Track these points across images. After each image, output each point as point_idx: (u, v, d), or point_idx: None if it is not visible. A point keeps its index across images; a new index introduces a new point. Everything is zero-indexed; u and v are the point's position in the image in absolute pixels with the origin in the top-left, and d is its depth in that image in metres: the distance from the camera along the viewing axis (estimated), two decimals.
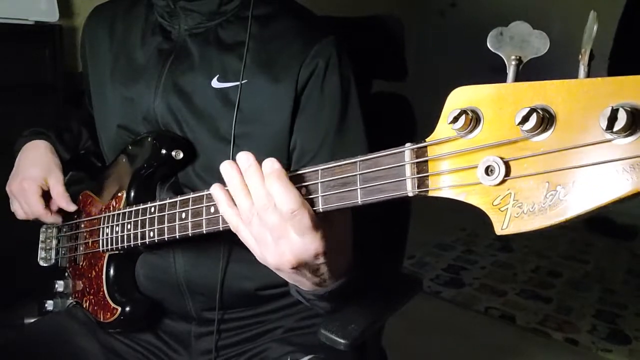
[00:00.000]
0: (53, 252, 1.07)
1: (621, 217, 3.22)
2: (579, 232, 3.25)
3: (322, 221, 0.56)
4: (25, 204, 0.96)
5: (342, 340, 0.79)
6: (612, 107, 0.33)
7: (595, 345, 2.16)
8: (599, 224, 3.20)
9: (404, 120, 1.11)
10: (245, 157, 0.57)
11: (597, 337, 2.21)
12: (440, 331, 2.19)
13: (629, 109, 0.33)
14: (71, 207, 0.96)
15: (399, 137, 1.09)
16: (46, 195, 0.97)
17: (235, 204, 0.59)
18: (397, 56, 1.11)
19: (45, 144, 1.01)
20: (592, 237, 3.22)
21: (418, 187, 0.45)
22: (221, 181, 0.86)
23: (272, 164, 0.55)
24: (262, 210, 0.56)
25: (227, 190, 0.59)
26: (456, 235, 3.21)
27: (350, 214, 0.62)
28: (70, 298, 1.03)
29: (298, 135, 0.86)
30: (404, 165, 0.46)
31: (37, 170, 0.96)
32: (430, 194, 0.45)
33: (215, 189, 0.61)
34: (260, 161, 0.85)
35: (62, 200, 0.96)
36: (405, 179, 0.46)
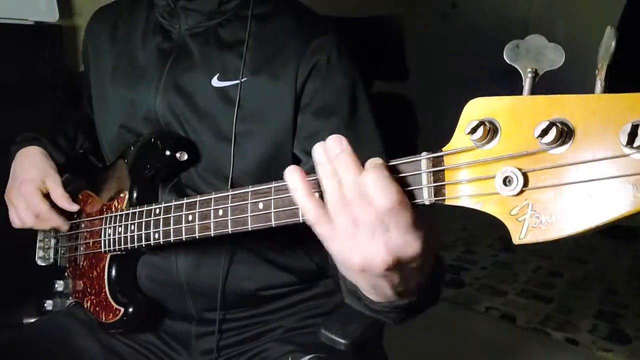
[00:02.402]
0: (52, 252, 1.07)
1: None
2: None
3: (422, 222, 0.49)
4: (26, 207, 0.94)
5: (342, 340, 0.79)
6: (633, 124, 0.34)
7: (596, 345, 2.16)
8: None
9: (406, 120, 1.11)
10: (338, 141, 0.50)
11: (598, 337, 2.22)
12: (440, 331, 2.19)
13: None
14: (73, 207, 0.96)
15: (401, 137, 1.09)
16: (46, 198, 0.96)
17: (318, 193, 0.51)
18: (397, 56, 1.11)
19: (39, 149, 1.00)
20: (593, 237, 3.22)
21: (435, 196, 0.46)
22: (223, 182, 0.87)
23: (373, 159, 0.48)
24: (355, 203, 0.48)
25: (305, 178, 0.52)
26: (457, 235, 3.22)
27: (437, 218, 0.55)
28: (70, 298, 1.02)
29: (304, 131, 0.86)
30: (420, 173, 0.46)
31: (33, 172, 0.96)
32: (447, 202, 0.45)
33: (291, 175, 0.52)
34: (263, 159, 0.85)
35: (63, 201, 0.95)
36: (421, 188, 0.46)
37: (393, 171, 0.48)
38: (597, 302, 2.51)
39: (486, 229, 3.17)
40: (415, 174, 0.47)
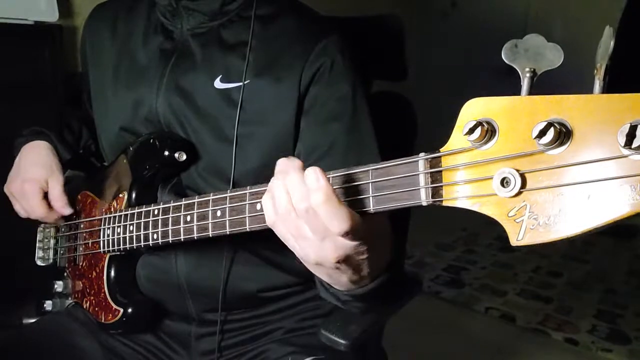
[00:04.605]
0: (51, 252, 1.07)
1: None
2: None
3: (368, 223, 0.53)
4: (26, 205, 0.96)
5: (342, 341, 0.79)
6: (631, 124, 0.33)
7: (595, 345, 2.16)
8: None
9: (405, 120, 1.11)
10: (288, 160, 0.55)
11: (597, 337, 2.22)
12: (440, 331, 2.19)
13: None
14: (66, 211, 0.96)
15: (400, 137, 1.09)
16: (47, 196, 0.97)
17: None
18: (397, 56, 1.11)
19: (46, 144, 1.00)
20: (592, 236, 3.20)
21: (432, 197, 0.46)
22: (224, 183, 0.87)
23: (317, 180, 0.50)
24: (305, 217, 0.52)
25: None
26: (456, 235, 3.22)
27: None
28: (70, 298, 1.02)
29: (305, 136, 0.85)
30: (417, 174, 0.46)
31: (38, 170, 0.96)
32: (445, 203, 0.45)
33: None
34: (264, 162, 0.85)
35: (58, 202, 0.95)
36: (419, 189, 0.46)
37: (390, 173, 0.48)
38: (597, 302, 2.51)
39: (486, 228, 3.17)
40: (412, 175, 0.47)
